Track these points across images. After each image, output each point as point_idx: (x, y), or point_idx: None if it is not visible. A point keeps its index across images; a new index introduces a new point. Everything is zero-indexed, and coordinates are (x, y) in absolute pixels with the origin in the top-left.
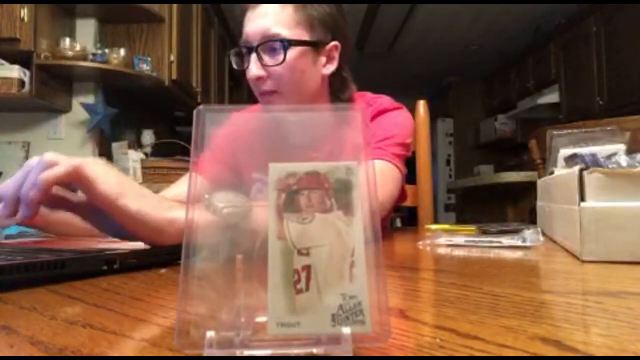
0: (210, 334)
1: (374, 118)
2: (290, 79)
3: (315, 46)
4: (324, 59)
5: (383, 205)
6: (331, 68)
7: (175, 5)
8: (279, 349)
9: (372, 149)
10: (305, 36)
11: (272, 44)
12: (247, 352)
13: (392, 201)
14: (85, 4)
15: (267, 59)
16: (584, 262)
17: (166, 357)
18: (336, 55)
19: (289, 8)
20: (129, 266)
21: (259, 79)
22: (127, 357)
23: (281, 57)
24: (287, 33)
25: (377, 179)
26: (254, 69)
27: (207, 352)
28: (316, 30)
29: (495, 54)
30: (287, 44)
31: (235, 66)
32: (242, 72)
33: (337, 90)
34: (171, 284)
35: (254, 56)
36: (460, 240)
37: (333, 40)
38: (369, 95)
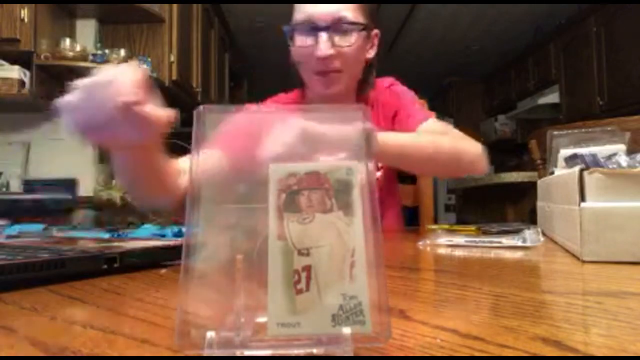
0: (210, 334)
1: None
2: (355, 60)
3: (370, 31)
4: (369, 44)
5: (477, 146)
6: (372, 53)
7: (175, 5)
8: (278, 349)
9: (415, 112)
10: (364, 20)
11: (344, 26)
12: (247, 352)
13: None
14: (85, 4)
15: (337, 39)
16: (584, 262)
17: (166, 357)
18: (376, 41)
19: None
20: (129, 265)
21: (327, 57)
22: (127, 357)
23: (353, 39)
24: (353, 16)
25: (446, 130)
26: (325, 48)
27: (206, 352)
28: (369, 16)
29: (495, 54)
30: (359, 27)
31: (295, 43)
32: (287, 51)
33: (367, 73)
34: (171, 284)
35: (324, 35)
36: (460, 240)
37: (375, 27)
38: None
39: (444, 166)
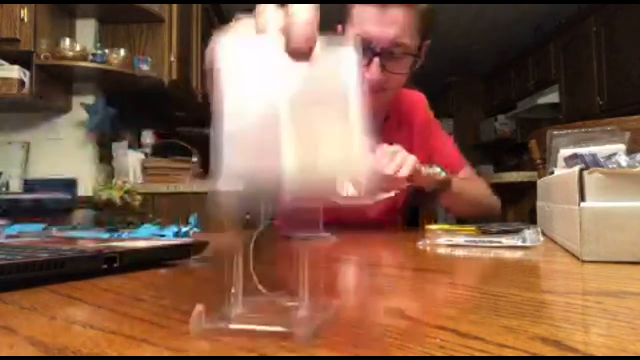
0: (199, 307)
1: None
2: (402, 81)
3: (421, 51)
4: (419, 60)
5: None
6: (419, 63)
7: (175, 5)
8: (262, 326)
9: (458, 157)
10: (418, 41)
11: (398, 53)
12: (232, 326)
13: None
14: (85, 4)
15: (389, 64)
16: (584, 262)
17: (166, 357)
18: (425, 50)
19: (413, 17)
20: (129, 265)
21: (377, 80)
22: (127, 357)
23: (403, 66)
24: (409, 42)
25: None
26: (377, 73)
27: (193, 324)
28: (424, 31)
29: (495, 54)
30: (411, 55)
31: None
32: None
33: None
34: (171, 283)
35: (377, 61)
36: (460, 240)
37: (427, 38)
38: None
39: (478, 210)
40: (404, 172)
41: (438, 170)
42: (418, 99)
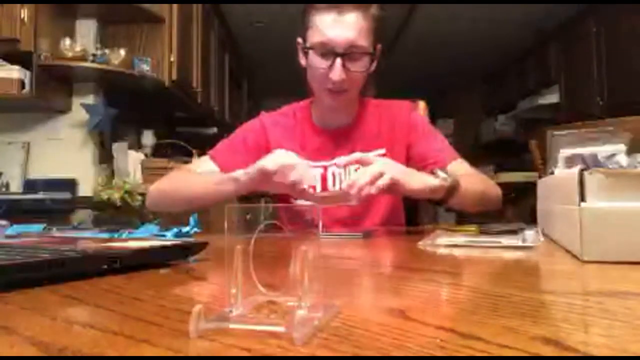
0: (198, 307)
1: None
2: (362, 80)
3: (376, 52)
4: (374, 62)
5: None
6: (374, 66)
7: (175, 5)
8: (259, 325)
9: (446, 151)
10: (372, 43)
11: (356, 54)
12: (232, 325)
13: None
14: (85, 4)
15: (350, 65)
16: (584, 262)
17: (166, 357)
18: (379, 54)
19: (367, 20)
20: (129, 265)
21: (340, 80)
22: (127, 357)
23: (363, 66)
24: (366, 43)
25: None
26: (340, 73)
27: (192, 324)
28: (377, 34)
29: (495, 54)
30: (368, 54)
31: (310, 62)
32: (298, 63)
33: (366, 81)
34: (171, 284)
35: (339, 61)
36: (460, 240)
37: (379, 42)
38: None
39: (483, 204)
40: (384, 182)
41: (444, 175)
42: (402, 105)
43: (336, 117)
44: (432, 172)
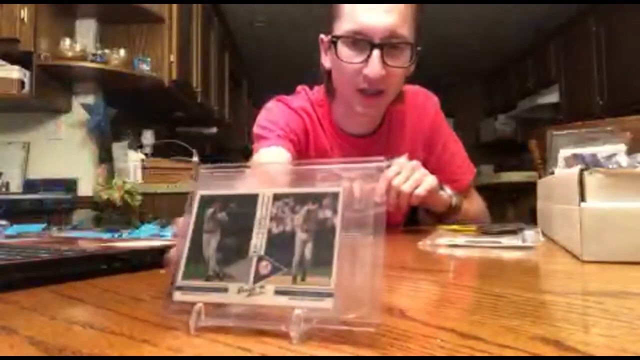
0: (199, 304)
1: (435, 121)
2: (401, 81)
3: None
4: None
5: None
6: (412, 68)
7: (175, 5)
8: (242, 322)
9: (465, 165)
10: (415, 36)
11: (398, 44)
12: (232, 323)
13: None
14: (85, 4)
15: (389, 59)
16: (584, 262)
17: (166, 357)
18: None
19: (409, 7)
20: (129, 265)
21: (378, 78)
22: (127, 357)
23: (404, 59)
24: (409, 34)
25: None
26: (378, 68)
27: (192, 320)
28: (417, 29)
29: (495, 54)
30: (412, 46)
31: (340, 55)
32: (319, 62)
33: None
34: None
35: (376, 53)
36: (460, 240)
37: (419, 37)
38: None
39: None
40: (421, 192)
41: (450, 192)
42: (427, 105)
43: (362, 124)
44: (441, 186)
